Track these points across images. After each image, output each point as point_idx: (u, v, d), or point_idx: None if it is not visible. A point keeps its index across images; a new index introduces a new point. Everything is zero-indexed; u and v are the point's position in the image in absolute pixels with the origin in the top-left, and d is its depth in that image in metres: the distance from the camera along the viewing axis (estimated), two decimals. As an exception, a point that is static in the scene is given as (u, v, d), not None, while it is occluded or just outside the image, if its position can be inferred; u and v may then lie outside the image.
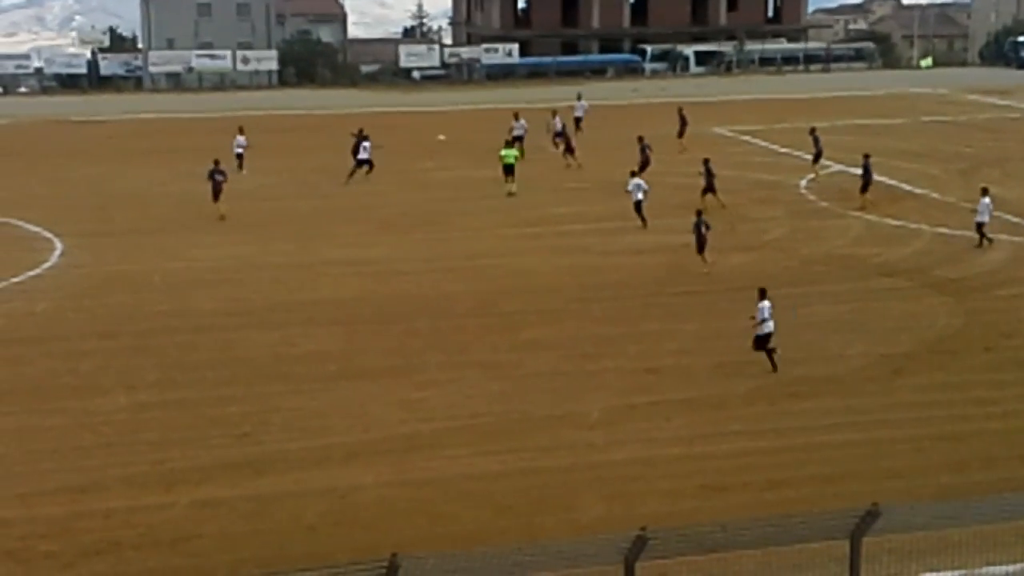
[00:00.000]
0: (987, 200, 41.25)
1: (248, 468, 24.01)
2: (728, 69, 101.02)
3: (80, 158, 58.84)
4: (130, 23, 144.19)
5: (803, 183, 51.27)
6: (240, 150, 55.03)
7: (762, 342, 29.32)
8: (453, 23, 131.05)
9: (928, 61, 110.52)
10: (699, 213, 38.64)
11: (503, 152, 50.11)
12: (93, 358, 30.49)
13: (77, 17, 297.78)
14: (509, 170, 49.29)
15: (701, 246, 37.99)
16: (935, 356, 30.67)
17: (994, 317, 33.87)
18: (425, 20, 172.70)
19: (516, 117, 57.38)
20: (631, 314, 34.12)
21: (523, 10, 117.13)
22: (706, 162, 46.81)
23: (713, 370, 29.52)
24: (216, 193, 45.85)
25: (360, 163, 51.85)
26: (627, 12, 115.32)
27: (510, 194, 48.95)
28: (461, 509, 22.34)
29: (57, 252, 41.15)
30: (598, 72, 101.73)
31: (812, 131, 53.92)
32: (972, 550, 17.77)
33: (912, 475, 23.63)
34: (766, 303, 29.22)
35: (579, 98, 67.13)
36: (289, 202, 48.47)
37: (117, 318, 33.78)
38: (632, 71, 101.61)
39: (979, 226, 41.15)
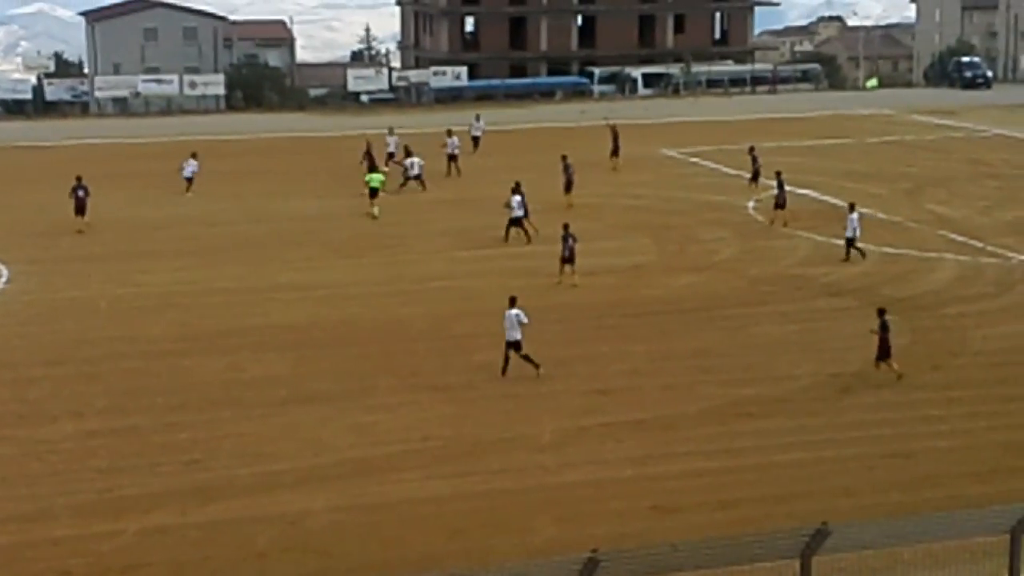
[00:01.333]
0: (855, 216, 42.03)
1: (197, 495, 23.85)
2: (676, 91, 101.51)
3: (26, 184, 58.38)
4: (76, 48, 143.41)
5: (751, 204, 51.55)
6: (191, 174, 54.95)
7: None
8: (401, 47, 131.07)
9: (874, 82, 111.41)
10: (566, 227, 39.23)
11: (368, 176, 51.13)
12: (40, 385, 30.22)
13: (22, 43, 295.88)
14: (374, 193, 50.04)
15: (569, 259, 38.91)
16: (883, 375, 30.87)
17: (941, 336, 34.16)
18: (373, 44, 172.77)
19: (449, 134, 59.30)
20: (582, 336, 34.18)
21: (471, 33, 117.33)
22: (778, 175, 48.19)
23: (664, 391, 29.61)
24: (79, 209, 47.18)
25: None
26: (575, 35, 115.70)
27: (373, 217, 49.27)
28: (413, 533, 22.28)
29: (3, 279, 40.78)
30: (546, 94, 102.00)
31: (751, 150, 54.41)
32: (922, 568, 17.89)
33: (862, 493, 23.79)
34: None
35: (477, 119, 68.30)
36: (238, 227, 48.26)
37: (65, 345, 33.51)
38: (580, 93, 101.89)
39: (849, 241, 41.94)
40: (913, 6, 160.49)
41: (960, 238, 45.42)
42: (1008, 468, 25.03)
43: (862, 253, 42.09)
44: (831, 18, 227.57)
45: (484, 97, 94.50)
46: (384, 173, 52.60)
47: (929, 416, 28.04)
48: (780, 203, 47.71)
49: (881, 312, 30.66)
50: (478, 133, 66.52)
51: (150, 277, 40.70)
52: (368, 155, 55.64)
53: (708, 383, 30.09)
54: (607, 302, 37.46)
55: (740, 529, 20.18)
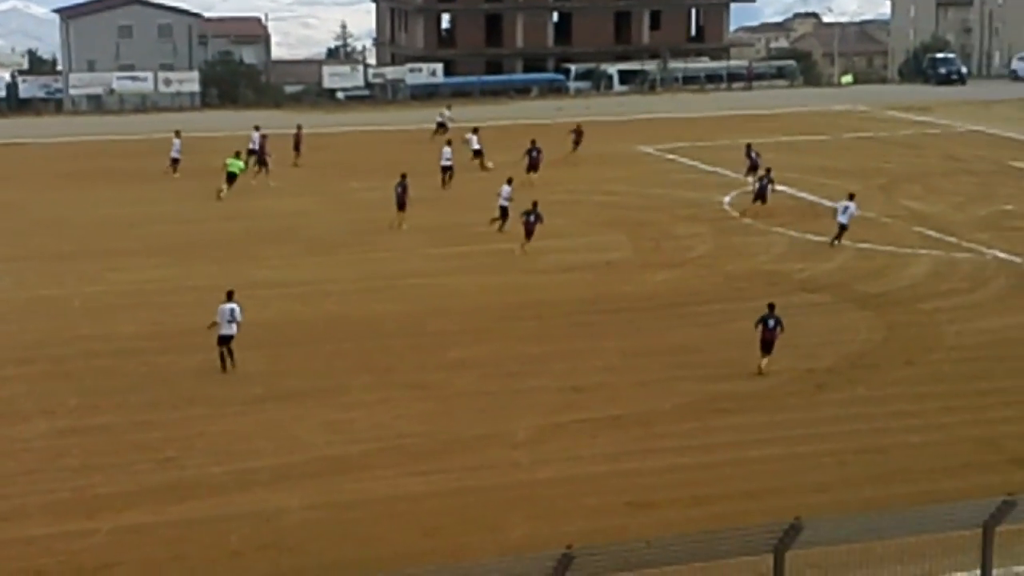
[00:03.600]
0: (851, 205, 43.44)
1: (171, 493, 23.78)
2: (652, 87, 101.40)
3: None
4: (50, 45, 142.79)
5: (727, 200, 51.61)
6: (176, 155, 56.96)
7: None
8: (377, 43, 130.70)
9: (849, 78, 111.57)
10: (534, 204, 41.83)
11: (229, 160, 52.96)
12: (13, 384, 30.08)
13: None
14: (231, 178, 52.31)
15: (528, 233, 41.69)
16: (857, 371, 30.99)
17: (915, 331, 34.28)
18: (349, 40, 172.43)
19: (446, 142, 58.47)
20: (557, 333, 34.18)
21: (447, 30, 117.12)
22: (768, 171, 49.61)
23: (639, 387, 29.63)
24: None
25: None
26: (551, 31, 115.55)
27: (219, 198, 51.54)
28: (388, 531, 22.25)
29: (-24, 277, 40.56)
30: (522, 91, 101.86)
31: (748, 147, 54.49)
32: (895, 563, 17.93)
33: (836, 489, 23.85)
34: None
35: (448, 108, 70.45)
36: (212, 224, 48.07)
37: (37, 343, 33.35)
38: (556, 90, 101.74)
39: (843, 228, 43.20)
40: (888, 2, 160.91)
41: (934, 234, 45.58)
42: (981, 463, 25.14)
43: (834, 242, 42.99)
44: (806, 14, 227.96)
45: (460, 94, 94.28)
46: (246, 161, 54.88)
47: (903, 411, 28.13)
48: (761, 196, 48.18)
49: (771, 307, 30.81)
50: (446, 123, 67.28)
51: (123, 275, 40.52)
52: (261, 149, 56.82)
53: (683, 379, 30.12)
54: (582, 298, 37.45)
55: (714, 524, 20.19)
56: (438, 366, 31.29)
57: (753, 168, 53.36)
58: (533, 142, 55.38)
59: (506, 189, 45.85)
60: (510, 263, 41.49)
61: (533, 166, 54.11)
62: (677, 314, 35.77)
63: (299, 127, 61.64)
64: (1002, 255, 42.40)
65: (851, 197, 43.88)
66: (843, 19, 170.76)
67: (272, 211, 50.26)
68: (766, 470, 24.87)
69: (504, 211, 45.46)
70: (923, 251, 43.03)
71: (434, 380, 30.25)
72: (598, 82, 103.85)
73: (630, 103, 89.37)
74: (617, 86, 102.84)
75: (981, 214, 49.23)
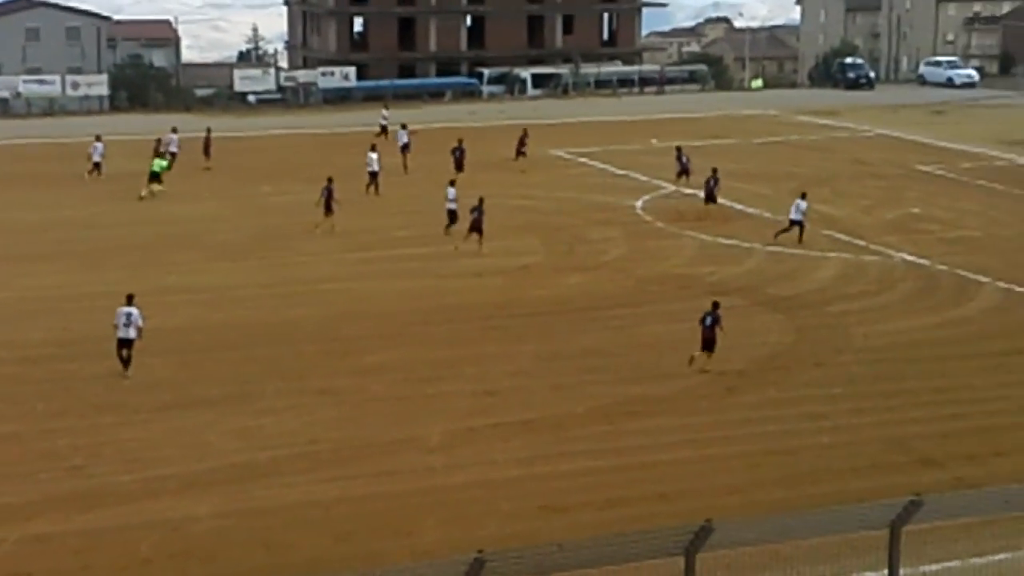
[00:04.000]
0: (803, 203, 45.02)
1: (79, 502, 23.45)
2: (565, 91, 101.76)
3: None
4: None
5: (640, 204, 51.86)
6: (98, 159, 56.87)
7: None
8: (289, 47, 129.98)
9: (759, 83, 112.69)
10: (480, 201, 42.66)
11: (154, 161, 53.88)
12: (-84, 393, 29.52)
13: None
14: (153, 177, 52.82)
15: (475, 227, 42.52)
16: (768, 373, 31.26)
17: (824, 333, 34.64)
18: (260, 44, 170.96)
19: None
20: (469, 337, 34.16)
21: (359, 34, 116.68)
22: (714, 171, 50.77)
23: (552, 391, 29.68)
24: None
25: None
26: (464, 35, 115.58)
27: (140, 198, 51.70)
28: (299, 537, 22.10)
29: None
30: (436, 95, 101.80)
31: (678, 149, 54.83)
32: (805, 563, 18.08)
33: (746, 490, 24.03)
34: None
35: (386, 108, 72.43)
36: (121, 229, 47.47)
37: (-58, 351, 32.76)
38: (470, 94, 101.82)
39: (795, 224, 44.52)
40: (798, 8, 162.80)
41: (843, 237, 46.10)
42: (888, 464, 25.45)
43: (782, 232, 44.71)
44: (718, 19, 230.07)
45: (373, 98, 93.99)
46: (169, 161, 55.57)
47: (812, 413, 28.41)
48: (711, 198, 49.61)
49: (714, 305, 31.37)
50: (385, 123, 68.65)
51: (30, 281, 39.91)
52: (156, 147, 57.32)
53: (596, 382, 30.21)
54: (495, 303, 37.46)
55: (626, 527, 20.24)
56: (351, 371, 31.15)
57: (684, 172, 53.74)
58: (460, 141, 56.94)
59: (451, 191, 45.88)
60: (424, 267, 41.42)
61: (458, 166, 54.95)
62: (590, 318, 35.89)
63: (208, 130, 61.22)
64: (909, 257, 42.99)
65: (803, 196, 45.41)
66: (754, 24, 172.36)
67: (183, 216, 49.76)
68: (677, 473, 25.02)
69: (452, 213, 45.32)
70: (832, 254, 43.52)
71: (346, 385, 30.10)
72: (511, 86, 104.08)
73: (543, 107, 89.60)
74: (531, 90, 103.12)
75: (889, 217, 49.87)
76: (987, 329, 35.27)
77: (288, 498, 23.71)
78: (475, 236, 42.48)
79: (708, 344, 30.92)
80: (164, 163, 54.37)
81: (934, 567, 19.32)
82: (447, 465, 25.38)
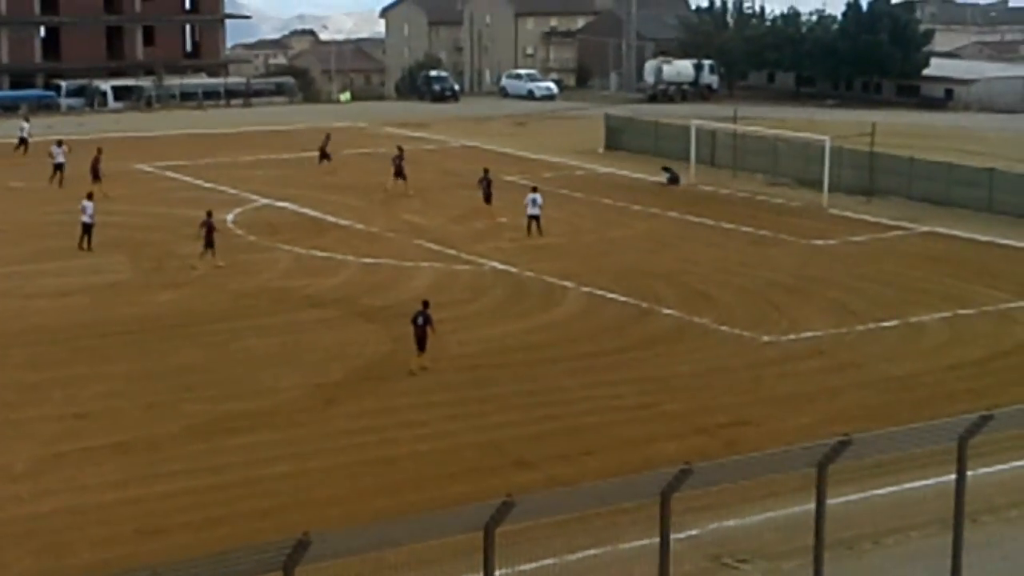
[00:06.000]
0: (537, 196, 48.59)
1: None
2: (148, 104, 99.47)
3: None
4: None
5: (231, 217, 51.12)
6: (61, 160, 57.40)
7: None
8: None
9: (347, 95, 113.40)
10: (209, 214, 42.98)
11: None
12: None
13: None
14: None
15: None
16: (366, 383, 31.41)
17: (419, 341, 35.04)
18: None
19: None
20: (56, 359, 32.84)
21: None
22: (485, 171, 53.11)
23: (146, 411, 28.89)
24: None
25: None
26: (38, 46, 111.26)
27: None
28: None
29: None
30: (10, 109, 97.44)
31: (485, 172, 53.50)
32: (408, 569, 18.33)
33: (348, 501, 24.06)
34: None
35: (27, 120, 71.73)
36: None
37: None
38: (47, 107, 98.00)
39: (533, 219, 48.11)
40: (383, 21, 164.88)
41: (435, 246, 46.84)
42: (484, 467, 26.00)
43: (540, 231, 48.02)
44: (303, 32, 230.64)
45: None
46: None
47: (411, 421, 28.70)
48: (487, 198, 52.00)
49: (424, 304, 32.32)
50: (27, 137, 67.36)
51: None
52: None
53: (191, 400, 29.59)
54: (81, 323, 36.13)
55: (227, 545, 19.82)
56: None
57: (488, 198, 52.43)
58: (99, 150, 56.38)
59: (88, 205, 44.73)
60: (5, 288, 39.52)
61: (95, 175, 53.98)
62: (183, 335, 35.13)
63: None
64: (499, 266, 44.08)
65: (535, 189, 49.15)
66: (339, 37, 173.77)
67: None
68: (278, 488, 24.78)
69: (87, 228, 44.28)
70: (425, 264, 44.15)
71: (-79, 415, 28.38)
72: (92, 98, 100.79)
73: (126, 120, 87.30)
74: (112, 103, 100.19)
75: (478, 227, 50.98)
76: (573, 333, 36.56)
77: None
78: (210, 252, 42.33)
79: (421, 343, 31.63)
80: None
81: (531, 566, 19.85)
82: (34, 493, 24.31)
